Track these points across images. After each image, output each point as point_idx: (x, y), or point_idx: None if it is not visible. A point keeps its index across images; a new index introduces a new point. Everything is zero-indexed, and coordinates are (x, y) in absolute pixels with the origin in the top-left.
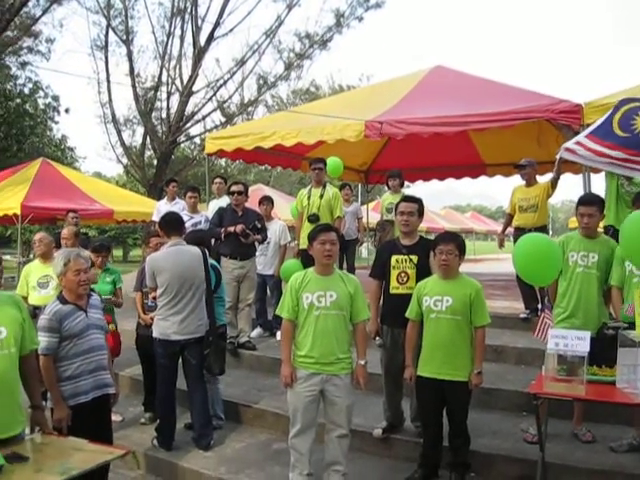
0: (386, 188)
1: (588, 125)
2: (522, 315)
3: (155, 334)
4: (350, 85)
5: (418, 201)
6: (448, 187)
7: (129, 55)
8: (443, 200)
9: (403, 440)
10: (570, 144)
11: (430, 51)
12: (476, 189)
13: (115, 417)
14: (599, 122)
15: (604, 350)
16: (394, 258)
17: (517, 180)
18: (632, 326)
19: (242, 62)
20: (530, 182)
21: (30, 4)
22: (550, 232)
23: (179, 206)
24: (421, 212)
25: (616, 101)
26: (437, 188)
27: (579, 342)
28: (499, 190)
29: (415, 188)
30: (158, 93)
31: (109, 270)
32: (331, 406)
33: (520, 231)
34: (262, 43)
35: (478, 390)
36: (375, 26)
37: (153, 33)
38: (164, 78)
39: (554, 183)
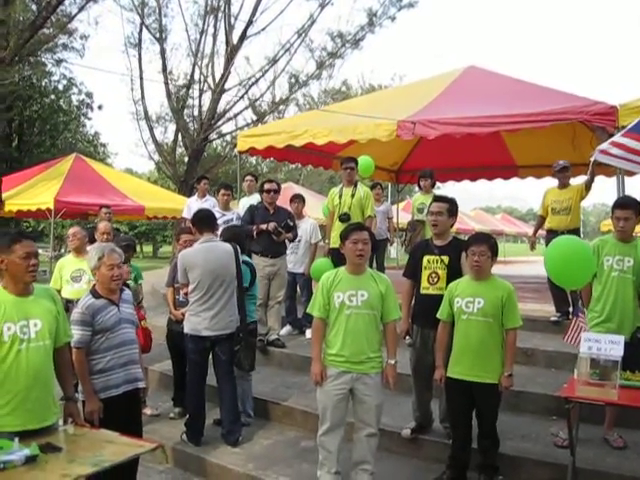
0: (417, 188)
1: (623, 127)
2: (553, 318)
3: (186, 330)
4: (382, 85)
5: (450, 201)
6: (479, 188)
7: (162, 53)
8: (474, 201)
9: (432, 441)
10: (604, 145)
11: (461, 50)
12: (507, 191)
13: (151, 411)
14: (636, 121)
15: (638, 355)
16: (426, 258)
17: (549, 182)
18: None
19: (274, 61)
20: (565, 184)
21: (66, 2)
22: (581, 235)
23: (210, 203)
24: (452, 212)
25: None
26: (468, 189)
27: (613, 346)
28: (530, 192)
29: (445, 189)
30: (190, 91)
31: (131, 267)
32: (360, 405)
33: (552, 233)
34: (294, 42)
35: (508, 393)
36: (408, 25)
37: (186, 31)
38: (196, 76)
39: (588, 186)
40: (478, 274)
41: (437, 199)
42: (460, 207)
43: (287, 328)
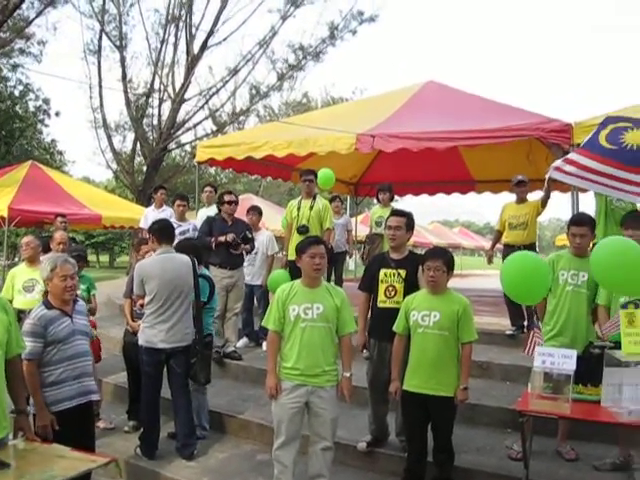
0: (375, 201)
1: (578, 145)
2: (508, 332)
3: (141, 342)
4: (343, 98)
5: (407, 215)
6: (437, 202)
7: (122, 61)
8: (432, 215)
9: (387, 454)
10: (558, 162)
11: (422, 66)
12: (465, 205)
13: (105, 424)
14: (587, 138)
15: (590, 369)
16: (382, 272)
17: (505, 197)
18: (618, 345)
19: (235, 71)
20: (522, 199)
21: (24, 6)
22: (537, 250)
23: (167, 213)
24: (410, 226)
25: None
26: (426, 203)
27: (565, 360)
28: (487, 206)
29: (404, 202)
30: (150, 100)
31: (83, 277)
32: (316, 418)
33: (509, 248)
34: (255, 53)
35: (463, 406)
36: (371, 39)
37: (147, 40)
38: (156, 85)
39: (544, 202)
40: (434, 288)
41: (395, 213)
42: (418, 221)
43: (244, 340)
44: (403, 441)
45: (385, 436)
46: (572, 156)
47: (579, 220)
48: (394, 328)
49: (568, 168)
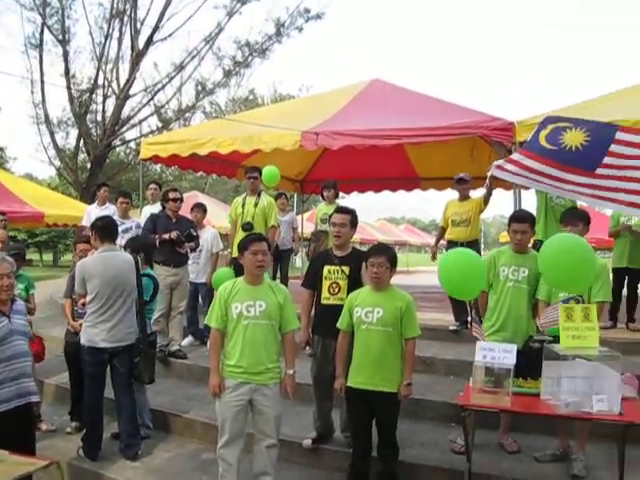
0: (321, 198)
1: (521, 143)
2: (452, 327)
3: (83, 341)
4: (290, 95)
5: (351, 212)
6: (383, 199)
7: (65, 55)
8: (378, 212)
9: (332, 450)
10: (501, 161)
11: (369, 63)
12: (411, 202)
13: (47, 425)
14: (529, 139)
15: (530, 363)
16: (326, 269)
17: (450, 194)
18: (557, 339)
19: (180, 67)
20: (464, 197)
21: None
22: (482, 246)
23: (109, 211)
24: (354, 223)
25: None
26: (372, 200)
27: (506, 355)
28: (433, 203)
29: (350, 200)
30: (94, 95)
31: (21, 276)
32: (260, 416)
33: (452, 244)
34: (201, 49)
35: (407, 401)
36: (317, 37)
37: (90, 34)
38: (100, 80)
39: (486, 199)
40: (377, 285)
41: (339, 210)
42: (365, 218)
43: (189, 339)
44: (348, 437)
45: (330, 432)
46: (514, 156)
47: (519, 217)
48: (338, 325)
49: (510, 167)
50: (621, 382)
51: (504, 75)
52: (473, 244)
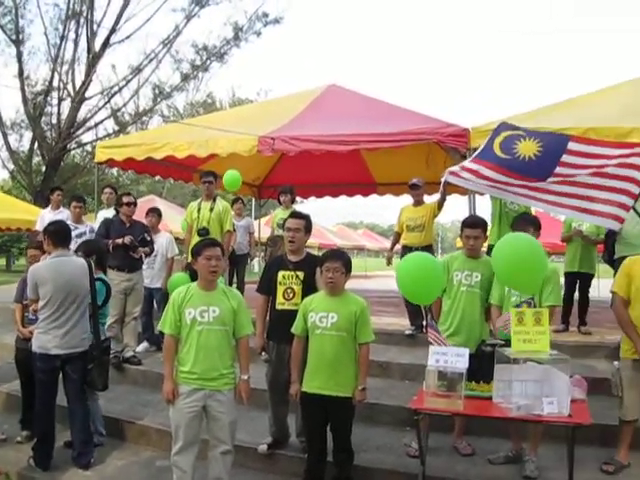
0: (278, 203)
1: (475, 149)
2: (407, 331)
3: (34, 348)
4: (249, 99)
5: (305, 217)
6: (342, 204)
7: (19, 56)
8: (337, 217)
9: (288, 456)
10: (455, 167)
11: (327, 68)
12: (369, 207)
13: None
14: (482, 146)
15: (482, 366)
16: (281, 274)
17: (407, 199)
18: (509, 343)
19: (138, 70)
20: (419, 202)
21: None
22: (439, 251)
23: (63, 215)
24: (308, 228)
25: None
26: (331, 205)
27: (458, 359)
28: (391, 209)
29: (309, 204)
30: (49, 98)
31: None
32: (214, 422)
33: (407, 249)
34: (159, 52)
35: (363, 405)
36: (276, 42)
37: (45, 35)
38: (55, 82)
39: (440, 204)
40: (332, 290)
41: (293, 215)
42: (323, 223)
43: (144, 345)
44: (303, 442)
45: (285, 438)
46: (468, 164)
47: (472, 222)
48: (292, 330)
49: (463, 173)
50: (570, 384)
51: (464, 80)
52: (427, 249)
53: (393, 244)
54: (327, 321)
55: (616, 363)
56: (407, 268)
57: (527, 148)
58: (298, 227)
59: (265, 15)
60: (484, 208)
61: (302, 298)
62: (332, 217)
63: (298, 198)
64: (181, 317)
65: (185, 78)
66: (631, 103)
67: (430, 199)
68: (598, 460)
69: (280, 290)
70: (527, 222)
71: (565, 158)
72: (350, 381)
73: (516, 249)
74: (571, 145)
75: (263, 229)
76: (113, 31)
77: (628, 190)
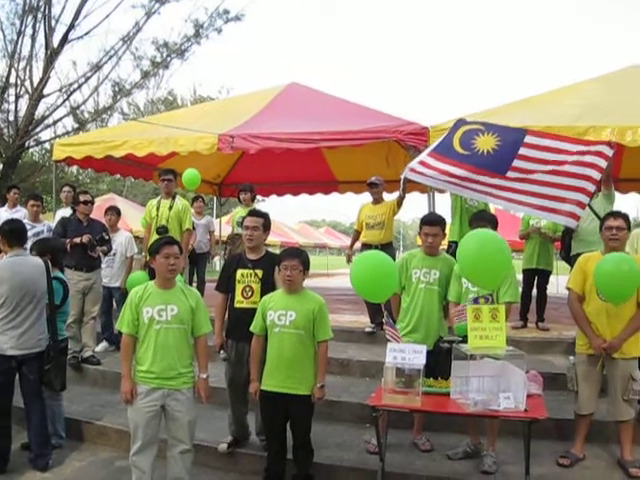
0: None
1: None
2: (367, 329)
3: None
4: (211, 97)
5: (263, 216)
6: (304, 202)
7: None
8: (299, 215)
9: (248, 454)
10: (414, 164)
11: (289, 66)
12: (331, 205)
13: None
14: (439, 140)
15: (440, 363)
16: (239, 272)
17: (368, 197)
18: (466, 340)
19: (97, 67)
20: (378, 200)
21: None
22: (401, 249)
23: (20, 214)
24: (266, 227)
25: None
26: (293, 203)
27: (416, 355)
28: (353, 207)
29: (271, 203)
30: (5, 94)
31: None
32: (173, 421)
33: (367, 247)
34: (119, 49)
35: (323, 403)
36: (239, 39)
37: (2, 30)
38: (12, 79)
39: (400, 202)
40: (290, 288)
41: (252, 214)
42: (285, 221)
43: (103, 344)
44: (263, 440)
45: (246, 436)
46: (427, 159)
47: (430, 220)
48: (251, 328)
49: (424, 170)
50: (527, 380)
51: (427, 78)
52: (387, 247)
53: (353, 242)
54: (285, 319)
55: (571, 358)
56: (359, 268)
57: (485, 142)
58: (256, 225)
59: (226, 12)
60: (444, 206)
61: (261, 296)
62: (294, 215)
63: (260, 196)
64: (139, 316)
65: (145, 75)
66: (590, 102)
67: (390, 197)
68: (555, 453)
69: (239, 288)
70: (484, 219)
71: (523, 151)
72: (309, 379)
73: (484, 244)
74: (528, 139)
75: (224, 228)
76: (72, 27)
77: (584, 188)
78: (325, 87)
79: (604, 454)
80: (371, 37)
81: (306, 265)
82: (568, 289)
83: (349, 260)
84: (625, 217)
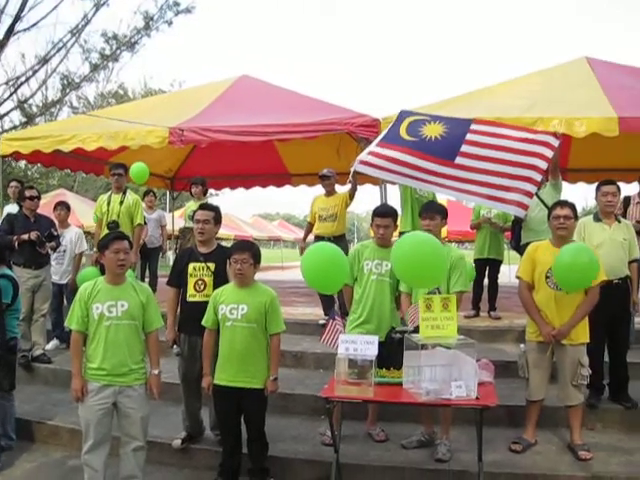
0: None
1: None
2: (321, 321)
3: None
4: (162, 90)
5: (214, 209)
6: (257, 195)
7: None
8: (253, 208)
9: (203, 449)
10: (363, 155)
11: (241, 58)
12: (285, 197)
13: None
14: (386, 131)
15: (392, 353)
16: (191, 266)
17: (321, 190)
18: (418, 330)
19: (45, 60)
20: (330, 192)
21: None
22: (355, 240)
23: None
24: (217, 220)
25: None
26: (247, 196)
27: (368, 346)
28: (306, 199)
29: (224, 196)
30: None
31: None
32: (125, 418)
33: (320, 239)
34: (67, 41)
35: (278, 396)
36: (191, 31)
37: None
38: None
39: (352, 194)
40: (241, 281)
41: (202, 207)
42: (238, 214)
43: (54, 342)
44: (218, 435)
45: (200, 431)
46: (375, 148)
47: (382, 212)
48: (203, 322)
49: (373, 160)
50: (478, 368)
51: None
52: (340, 239)
53: (306, 234)
54: (237, 313)
55: (522, 346)
56: (309, 260)
57: (432, 130)
58: (207, 219)
59: (176, 4)
60: (397, 197)
61: (213, 289)
62: (248, 208)
63: (212, 190)
64: (88, 313)
65: (95, 68)
66: (539, 94)
67: (343, 189)
68: (507, 440)
69: (191, 282)
70: (434, 210)
71: (470, 137)
72: (262, 372)
73: (412, 259)
74: (474, 126)
75: (177, 221)
76: (17, 19)
77: (531, 177)
78: (278, 80)
79: (554, 439)
80: (334, 30)
81: (257, 258)
82: (518, 278)
83: (302, 253)
84: (572, 206)
